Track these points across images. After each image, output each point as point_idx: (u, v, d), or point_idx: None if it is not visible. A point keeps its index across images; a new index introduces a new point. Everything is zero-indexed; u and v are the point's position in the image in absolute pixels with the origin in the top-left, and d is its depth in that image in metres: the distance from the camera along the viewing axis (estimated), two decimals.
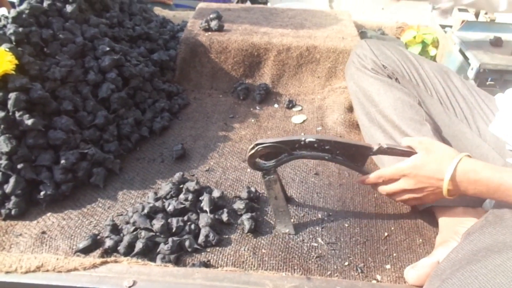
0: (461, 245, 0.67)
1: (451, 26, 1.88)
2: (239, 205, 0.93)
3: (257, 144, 0.84)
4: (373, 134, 1.05)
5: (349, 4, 2.67)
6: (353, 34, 1.61)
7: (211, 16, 1.60)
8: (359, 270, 0.82)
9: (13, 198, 0.90)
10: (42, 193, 0.92)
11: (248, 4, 3.01)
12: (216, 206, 0.93)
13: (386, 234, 0.92)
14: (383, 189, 0.88)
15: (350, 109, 1.36)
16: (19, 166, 0.90)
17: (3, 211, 0.90)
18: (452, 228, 0.83)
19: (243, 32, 1.57)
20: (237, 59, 1.52)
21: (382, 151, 0.85)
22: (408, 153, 0.84)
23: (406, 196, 0.86)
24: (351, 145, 0.85)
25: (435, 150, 0.80)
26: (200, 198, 0.93)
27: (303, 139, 0.83)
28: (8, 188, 0.89)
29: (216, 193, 0.94)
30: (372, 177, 0.87)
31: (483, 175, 0.72)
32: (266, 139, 0.84)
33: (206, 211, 0.90)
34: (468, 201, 0.87)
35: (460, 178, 0.75)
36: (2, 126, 0.90)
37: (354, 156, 0.87)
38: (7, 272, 0.73)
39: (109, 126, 1.08)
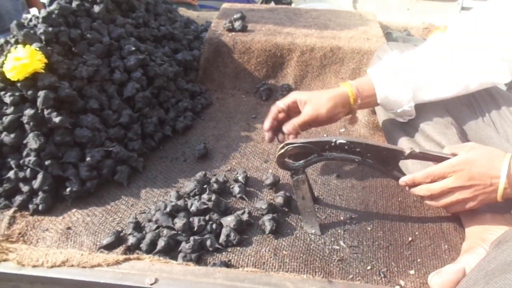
0: (493, 255, 0.64)
1: None
2: (261, 205, 0.93)
3: (287, 144, 0.83)
4: (396, 138, 1.03)
5: (373, 5, 2.64)
6: (378, 35, 1.59)
7: (235, 16, 1.61)
8: (382, 275, 0.81)
9: (40, 194, 0.92)
10: (68, 189, 0.94)
11: (272, 4, 3.01)
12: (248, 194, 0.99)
13: (410, 238, 0.90)
14: (431, 188, 0.81)
15: (374, 110, 1.34)
16: (47, 162, 0.93)
17: (31, 206, 0.92)
18: (480, 235, 0.80)
19: (267, 33, 1.56)
20: (260, 60, 1.52)
21: (414, 155, 0.83)
22: (441, 158, 0.81)
23: (455, 197, 0.80)
24: (382, 148, 0.84)
25: (483, 148, 0.77)
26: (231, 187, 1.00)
27: (333, 140, 0.82)
28: (36, 184, 0.91)
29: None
30: (420, 175, 0.81)
31: None
32: (296, 139, 0.84)
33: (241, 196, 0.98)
34: (497, 207, 0.84)
35: None
36: (31, 123, 0.92)
37: (385, 159, 0.85)
38: (34, 266, 0.75)
39: (133, 125, 1.10)
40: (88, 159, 0.96)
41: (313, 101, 0.92)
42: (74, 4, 1.12)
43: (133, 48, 1.17)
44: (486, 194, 0.77)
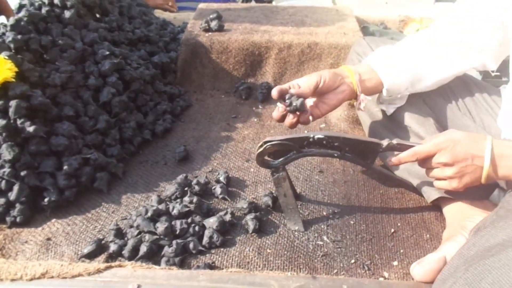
0: (472, 241, 0.65)
1: None
2: (242, 204, 0.93)
3: (265, 142, 0.83)
4: (375, 131, 1.03)
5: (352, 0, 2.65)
6: (355, 30, 1.60)
7: (211, 16, 1.60)
8: (366, 268, 0.81)
9: (17, 206, 0.90)
10: (46, 199, 0.92)
11: (253, 3, 3.00)
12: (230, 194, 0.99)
13: (392, 230, 0.91)
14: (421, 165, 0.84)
15: (353, 105, 1.34)
16: (23, 173, 0.91)
17: (8, 219, 0.90)
18: (460, 223, 0.82)
19: (244, 31, 1.56)
20: (238, 59, 1.51)
21: (392, 147, 0.83)
22: None
23: (439, 174, 0.81)
24: (360, 141, 0.84)
25: (464, 132, 0.79)
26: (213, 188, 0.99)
27: (311, 136, 0.82)
28: (12, 195, 0.89)
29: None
30: (406, 154, 0.82)
31: None
32: (274, 136, 0.84)
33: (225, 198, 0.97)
34: (475, 194, 0.86)
35: (498, 152, 0.73)
36: (4, 134, 0.90)
37: (364, 153, 0.85)
38: (12, 280, 0.73)
39: (111, 130, 1.08)
40: (65, 167, 0.95)
41: (311, 74, 0.89)
42: (43, 10, 1.10)
43: (107, 53, 1.15)
44: (470, 175, 0.77)
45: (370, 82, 0.92)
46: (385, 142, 0.83)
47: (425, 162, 0.81)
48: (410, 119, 0.96)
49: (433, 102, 1.00)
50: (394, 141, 0.83)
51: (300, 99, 0.84)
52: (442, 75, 0.95)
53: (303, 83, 0.87)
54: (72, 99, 1.05)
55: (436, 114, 1.00)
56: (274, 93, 0.84)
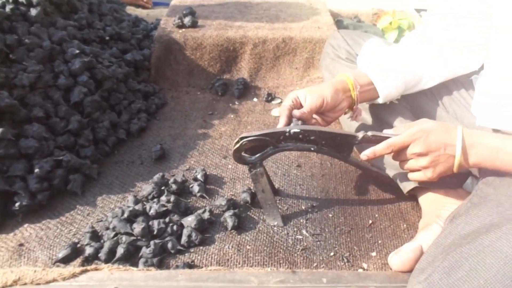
0: (449, 230, 0.66)
1: (426, 10, 1.88)
2: (221, 201, 0.92)
3: (241, 138, 0.82)
4: (351, 125, 1.04)
5: None
6: (329, 23, 1.61)
7: (184, 12, 1.58)
8: (345, 260, 0.82)
9: None
10: (17, 204, 0.89)
11: None
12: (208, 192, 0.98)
13: (370, 221, 0.92)
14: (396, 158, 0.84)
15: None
16: None
17: None
18: (435, 212, 0.83)
19: (218, 27, 1.54)
20: (213, 55, 1.50)
21: (367, 139, 0.83)
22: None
23: (413, 164, 0.81)
24: (336, 134, 0.84)
25: (436, 121, 0.80)
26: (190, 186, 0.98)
27: (287, 130, 0.82)
28: None
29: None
30: (381, 147, 0.81)
31: (487, 139, 0.74)
32: (250, 132, 0.83)
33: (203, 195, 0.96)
34: (449, 183, 0.87)
35: (469, 141, 0.75)
36: None
37: (340, 145, 0.85)
38: None
39: (83, 131, 1.05)
40: (36, 170, 0.92)
41: (313, 90, 0.89)
42: (7, 9, 1.06)
43: (77, 51, 1.12)
44: (443, 164, 0.78)
45: (368, 94, 0.93)
46: (360, 134, 0.83)
47: (399, 154, 0.82)
48: (385, 114, 0.97)
49: (408, 93, 1.02)
50: (369, 133, 0.83)
51: (300, 126, 0.84)
52: (438, 76, 0.96)
53: (307, 105, 0.87)
54: (41, 99, 1.01)
55: (410, 105, 1.01)
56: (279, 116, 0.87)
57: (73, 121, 1.03)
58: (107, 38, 1.37)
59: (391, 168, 0.95)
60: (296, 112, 0.86)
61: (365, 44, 1.03)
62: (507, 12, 0.81)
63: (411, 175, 0.84)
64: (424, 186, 0.89)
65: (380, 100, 0.94)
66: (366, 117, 1.03)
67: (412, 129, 0.79)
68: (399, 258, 0.75)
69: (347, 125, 1.09)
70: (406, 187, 0.92)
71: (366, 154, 0.83)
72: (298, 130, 0.82)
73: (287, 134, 0.82)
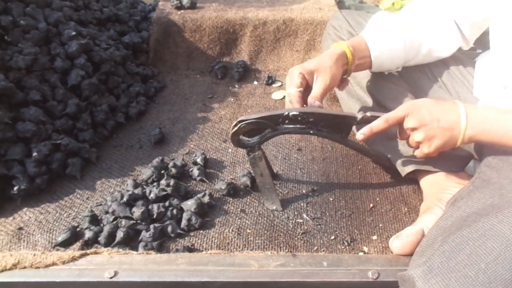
0: (450, 212, 0.66)
1: None
2: (221, 185, 0.91)
3: (240, 121, 0.81)
4: (351, 107, 1.03)
5: None
6: (330, 4, 1.57)
7: None
8: (346, 243, 0.82)
9: None
10: (15, 188, 0.88)
11: None
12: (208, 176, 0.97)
13: (371, 205, 0.91)
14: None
15: None
16: None
17: None
18: (436, 195, 0.82)
19: (217, 8, 1.51)
20: (212, 37, 1.47)
21: (366, 119, 0.82)
22: None
23: (414, 138, 0.79)
24: (335, 115, 0.83)
25: (430, 99, 0.79)
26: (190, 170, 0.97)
27: (286, 113, 0.81)
28: None
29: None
30: (377, 123, 0.80)
31: (483, 111, 0.73)
32: (249, 115, 0.81)
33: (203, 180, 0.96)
34: (450, 165, 0.86)
35: (471, 114, 0.73)
36: None
37: (339, 127, 0.84)
38: None
39: (82, 114, 1.04)
40: (34, 154, 0.91)
41: (321, 70, 0.85)
42: None
43: (74, 33, 1.10)
44: (438, 138, 0.75)
45: (362, 65, 0.92)
46: (359, 115, 0.82)
47: (400, 132, 0.81)
48: (385, 98, 0.96)
49: (410, 76, 1.00)
50: (368, 114, 0.82)
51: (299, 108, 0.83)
52: (436, 43, 0.94)
53: (319, 88, 0.84)
54: (38, 82, 1.00)
55: (412, 88, 1.00)
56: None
57: (70, 105, 1.02)
58: (104, 19, 1.35)
59: (390, 152, 0.94)
60: (314, 102, 0.83)
61: (372, 16, 1.01)
62: None
63: (415, 153, 0.83)
64: (423, 168, 0.88)
65: (373, 66, 0.92)
66: (354, 87, 1.02)
67: (407, 103, 0.78)
68: (400, 241, 0.75)
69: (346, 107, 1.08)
70: (405, 170, 0.91)
71: (362, 133, 0.81)
72: (297, 113, 0.80)
73: (286, 116, 0.81)
